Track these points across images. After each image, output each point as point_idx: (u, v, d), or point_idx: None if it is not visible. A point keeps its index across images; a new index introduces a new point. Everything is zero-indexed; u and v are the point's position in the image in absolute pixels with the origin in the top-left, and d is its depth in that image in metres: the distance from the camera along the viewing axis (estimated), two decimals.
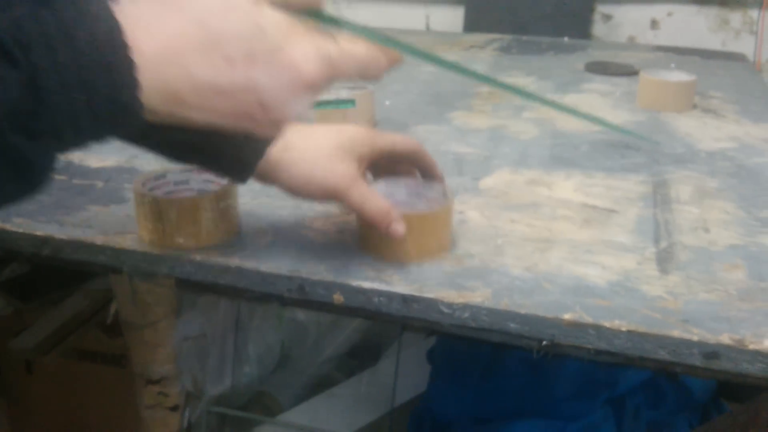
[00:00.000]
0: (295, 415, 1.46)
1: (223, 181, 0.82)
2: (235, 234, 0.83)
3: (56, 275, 1.58)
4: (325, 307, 0.78)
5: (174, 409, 1.05)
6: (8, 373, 1.60)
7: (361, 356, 1.68)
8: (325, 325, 1.68)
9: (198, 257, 0.79)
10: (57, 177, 1.00)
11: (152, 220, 0.78)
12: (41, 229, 0.84)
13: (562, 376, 1.23)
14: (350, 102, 1.02)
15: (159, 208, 0.78)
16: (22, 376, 1.57)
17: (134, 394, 1.08)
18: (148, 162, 1.05)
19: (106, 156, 1.07)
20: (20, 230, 0.84)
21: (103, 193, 0.95)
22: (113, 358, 1.50)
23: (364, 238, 0.80)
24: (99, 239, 0.82)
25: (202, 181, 0.85)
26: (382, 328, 1.67)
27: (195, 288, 0.83)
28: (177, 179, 0.84)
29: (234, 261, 0.78)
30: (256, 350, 1.47)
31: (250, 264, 0.78)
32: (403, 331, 1.61)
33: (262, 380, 1.52)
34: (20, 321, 1.54)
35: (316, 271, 0.77)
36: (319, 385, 1.59)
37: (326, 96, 1.05)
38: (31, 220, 0.86)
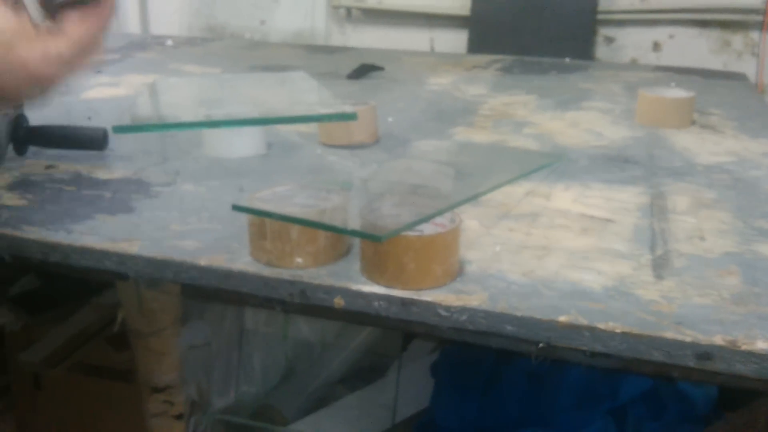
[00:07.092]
0: (300, 428, 1.47)
1: (339, 198, 0.82)
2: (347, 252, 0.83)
3: (66, 289, 1.60)
4: (326, 312, 0.80)
5: (179, 417, 1.06)
6: (17, 387, 1.61)
7: (365, 372, 1.69)
8: (330, 342, 1.69)
9: (202, 262, 0.81)
10: (66, 188, 1.02)
11: (272, 239, 0.79)
12: (50, 237, 0.86)
13: (563, 386, 1.24)
14: (352, 115, 1.04)
15: (282, 227, 0.78)
16: (30, 390, 1.58)
17: (140, 410, 1.09)
18: (155, 173, 1.08)
19: (114, 169, 1.10)
20: (30, 237, 0.87)
21: (111, 203, 0.97)
22: (120, 373, 1.51)
23: (367, 264, 0.78)
24: (106, 245, 0.84)
25: (307, 196, 0.84)
26: (386, 343, 1.68)
27: (200, 294, 0.85)
28: (283, 194, 0.84)
29: (237, 266, 0.80)
30: (261, 363, 1.48)
31: (253, 269, 0.80)
32: (406, 345, 1.62)
33: (267, 393, 1.53)
34: (29, 335, 1.56)
35: (317, 276, 0.79)
36: (323, 399, 1.60)
37: (328, 110, 1.07)
38: (41, 228, 0.88)
